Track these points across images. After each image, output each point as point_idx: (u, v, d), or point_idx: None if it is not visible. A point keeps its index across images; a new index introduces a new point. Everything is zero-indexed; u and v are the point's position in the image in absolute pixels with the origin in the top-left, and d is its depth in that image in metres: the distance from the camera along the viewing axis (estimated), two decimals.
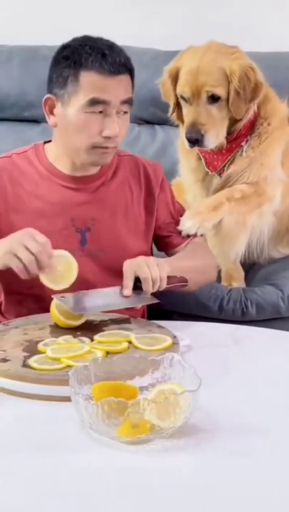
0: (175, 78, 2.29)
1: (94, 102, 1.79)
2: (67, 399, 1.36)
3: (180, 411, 1.29)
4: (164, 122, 2.97)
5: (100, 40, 1.86)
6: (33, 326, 1.73)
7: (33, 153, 1.95)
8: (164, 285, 1.76)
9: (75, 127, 1.83)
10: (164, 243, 2.06)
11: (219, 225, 2.29)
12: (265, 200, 2.35)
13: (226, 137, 2.29)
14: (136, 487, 1.20)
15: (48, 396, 1.45)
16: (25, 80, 2.95)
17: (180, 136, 2.40)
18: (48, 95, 1.87)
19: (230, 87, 2.20)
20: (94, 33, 2.48)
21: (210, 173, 2.37)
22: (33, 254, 1.66)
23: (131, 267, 1.76)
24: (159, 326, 1.72)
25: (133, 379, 1.44)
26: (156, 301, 1.72)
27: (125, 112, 1.84)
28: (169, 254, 2.04)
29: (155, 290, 1.75)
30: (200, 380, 1.35)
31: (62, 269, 1.71)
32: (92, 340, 1.63)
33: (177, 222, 2.07)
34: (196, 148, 2.31)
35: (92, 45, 1.82)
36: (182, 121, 2.32)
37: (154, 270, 1.75)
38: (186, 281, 1.84)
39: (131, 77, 1.85)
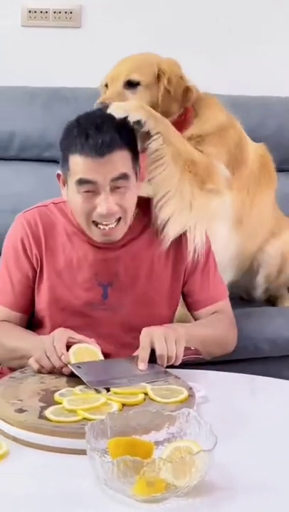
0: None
1: (81, 182, 1.81)
2: (83, 452, 1.36)
3: (196, 470, 1.29)
4: None
5: (93, 117, 1.84)
6: (50, 374, 1.73)
7: (67, 205, 1.96)
8: (179, 362, 1.77)
9: (73, 207, 1.89)
10: (187, 302, 2.03)
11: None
12: (213, 184, 2.13)
13: None
14: None
15: (63, 448, 1.45)
16: (46, 120, 2.98)
17: None
18: (58, 171, 1.91)
19: (159, 83, 2.16)
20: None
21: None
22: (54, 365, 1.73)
23: (148, 338, 1.76)
24: (176, 377, 1.71)
25: (149, 433, 1.44)
26: (170, 375, 1.71)
27: (124, 187, 1.82)
28: (192, 315, 2.03)
29: (169, 364, 1.75)
30: (216, 438, 1.35)
31: (89, 359, 1.74)
32: (108, 390, 1.63)
33: (206, 279, 2.01)
34: None
35: (80, 126, 1.82)
36: None
37: (172, 347, 1.74)
38: (200, 354, 1.84)
39: (129, 149, 1.82)
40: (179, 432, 1.44)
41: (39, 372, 1.74)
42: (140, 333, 1.79)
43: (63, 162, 1.87)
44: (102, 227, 1.85)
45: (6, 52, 3.20)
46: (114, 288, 1.94)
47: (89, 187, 1.81)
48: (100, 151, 1.77)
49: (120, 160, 1.81)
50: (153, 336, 1.76)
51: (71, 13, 3.19)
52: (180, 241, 1.99)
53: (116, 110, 1.87)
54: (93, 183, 1.80)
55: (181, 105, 2.21)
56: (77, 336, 1.77)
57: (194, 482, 1.29)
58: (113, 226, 1.85)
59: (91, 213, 1.84)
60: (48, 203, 2.01)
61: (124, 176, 1.81)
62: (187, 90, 2.20)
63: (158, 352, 1.74)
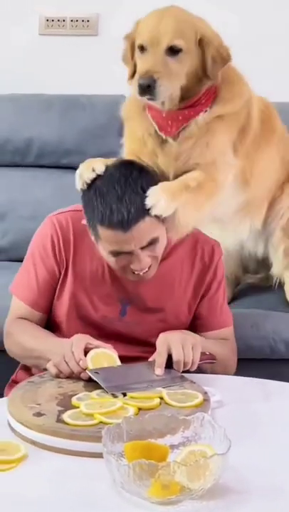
0: (133, 43, 2.09)
1: (115, 253, 1.83)
2: (100, 455, 1.39)
3: (210, 473, 1.32)
4: None
5: (113, 184, 1.81)
6: (67, 378, 1.76)
7: None
8: (195, 367, 1.79)
9: (104, 258, 1.89)
10: (194, 324, 2.03)
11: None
12: (216, 187, 2.12)
13: (183, 102, 2.07)
14: None
15: (81, 452, 1.48)
16: (63, 127, 3.02)
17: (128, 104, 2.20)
18: (85, 222, 1.90)
19: (206, 51, 2.04)
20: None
21: (164, 137, 2.10)
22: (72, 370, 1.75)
23: (165, 344, 1.78)
24: (191, 382, 1.74)
25: (164, 437, 1.47)
26: (186, 380, 1.74)
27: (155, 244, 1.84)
28: None
29: (185, 369, 1.78)
30: (229, 442, 1.38)
31: (107, 364, 1.77)
32: (124, 395, 1.66)
33: (214, 306, 2.03)
34: (147, 113, 2.11)
35: (101, 196, 1.80)
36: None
37: (188, 353, 1.77)
38: (215, 359, 1.87)
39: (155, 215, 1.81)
40: (194, 436, 1.46)
41: (57, 377, 1.77)
42: (152, 347, 1.82)
43: (92, 228, 1.86)
44: (136, 272, 1.87)
45: (24, 60, 3.24)
46: (134, 307, 1.96)
47: (122, 254, 1.83)
48: (127, 226, 1.77)
49: (148, 228, 1.81)
50: (170, 342, 1.79)
51: (88, 21, 3.23)
52: (204, 271, 2.00)
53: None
54: (126, 252, 1.82)
55: (221, 69, 2.10)
56: (95, 342, 1.80)
57: (208, 485, 1.32)
58: (146, 270, 1.87)
59: (126, 267, 1.86)
60: (81, 208, 1.96)
61: (153, 241, 1.83)
62: (228, 53, 2.10)
63: (175, 358, 1.77)
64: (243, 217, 2.36)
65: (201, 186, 2.06)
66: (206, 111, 2.11)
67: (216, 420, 1.49)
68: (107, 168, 1.89)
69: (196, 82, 2.07)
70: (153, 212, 1.82)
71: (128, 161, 1.98)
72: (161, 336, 1.83)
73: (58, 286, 1.98)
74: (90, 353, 1.77)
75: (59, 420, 1.55)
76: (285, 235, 2.44)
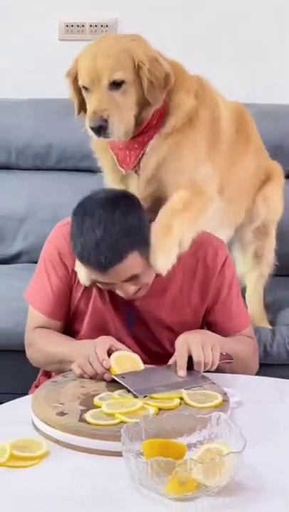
0: (76, 77, 2.09)
1: (96, 282, 1.89)
2: (120, 454, 1.44)
3: (225, 471, 1.36)
4: None
5: (93, 224, 1.80)
6: (90, 379, 1.80)
7: None
8: (215, 367, 1.83)
9: None
10: (211, 331, 2.03)
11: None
12: (206, 201, 2.10)
13: (136, 129, 2.05)
14: None
15: (102, 450, 1.53)
16: (82, 132, 3.06)
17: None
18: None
19: (141, 76, 1.99)
20: None
21: (124, 172, 2.13)
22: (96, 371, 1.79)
23: (185, 345, 1.82)
24: (212, 382, 1.77)
25: (182, 436, 1.51)
26: (208, 381, 1.78)
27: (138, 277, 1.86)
28: None
29: (204, 370, 1.81)
30: (245, 441, 1.42)
31: (130, 366, 1.81)
32: (145, 395, 1.70)
33: (228, 310, 2.05)
34: (107, 145, 2.11)
35: (82, 235, 1.81)
36: None
37: (208, 354, 1.80)
38: (232, 359, 1.89)
39: (134, 249, 1.81)
40: (210, 435, 1.51)
41: (81, 377, 1.81)
42: (159, 357, 1.89)
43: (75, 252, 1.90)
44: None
45: (44, 65, 3.29)
46: (139, 317, 2.00)
47: (104, 284, 1.90)
48: (104, 269, 1.81)
49: (126, 268, 1.83)
50: (190, 343, 1.83)
51: (107, 26, 3.27)
52: (209, 276, 2.02)
53: None
54: (107, 284, 1.89)
55: (164, 91, 2.05)
56: (118, 345, 1.84)
57: (224, 482, 1.37)
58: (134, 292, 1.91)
59: (113, 292, 1.92)
60: None
61: (134, 277, 1.86)
62: (167, 75, 2.04)
63: (195, 359, 1.81)
64: (220, 225, 2.31)
65: (190, 204, 2.04)
66: (159, 132, 2.07)
67: (233, 420, 1.54)
68: (95, 197, 1.88)
69: (146, 107, 2.03)
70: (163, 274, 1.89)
71: (116, 195, 1.92)
72: (181, 337, 1.87)
73: (72, 294, 2.02)
74: (114, 355, 1.81)
75: (81, 419, 1.60)
76: (256, 236, 2.48)
